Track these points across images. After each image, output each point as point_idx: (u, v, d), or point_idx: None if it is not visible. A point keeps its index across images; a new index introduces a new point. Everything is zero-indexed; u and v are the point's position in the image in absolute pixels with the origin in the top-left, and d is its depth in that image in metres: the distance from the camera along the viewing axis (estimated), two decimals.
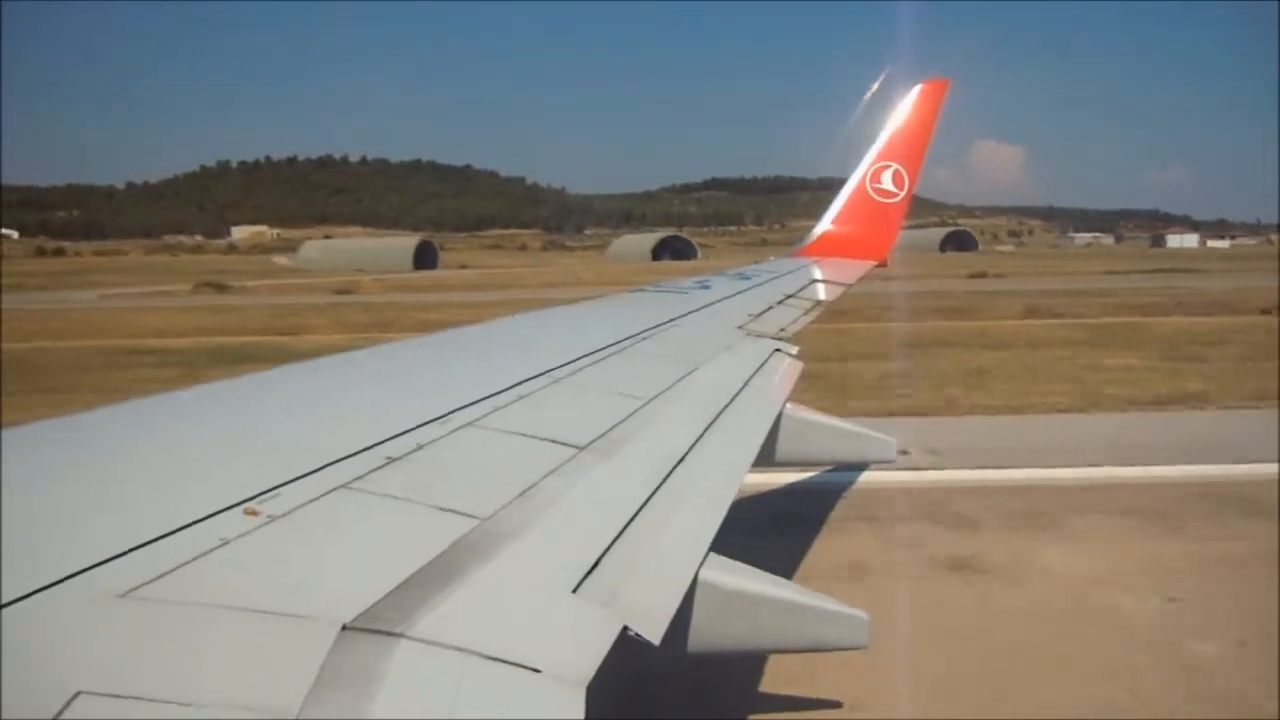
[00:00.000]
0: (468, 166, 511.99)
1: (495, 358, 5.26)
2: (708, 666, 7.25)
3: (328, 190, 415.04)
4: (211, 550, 2.14)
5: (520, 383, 4.24)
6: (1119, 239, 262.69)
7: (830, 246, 13.86)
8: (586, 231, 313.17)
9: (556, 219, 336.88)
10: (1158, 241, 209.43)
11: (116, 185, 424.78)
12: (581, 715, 1.85)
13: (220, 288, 69.58)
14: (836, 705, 7.73)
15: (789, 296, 9.65)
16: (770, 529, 11.82)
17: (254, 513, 2.38)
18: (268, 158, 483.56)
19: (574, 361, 4.92)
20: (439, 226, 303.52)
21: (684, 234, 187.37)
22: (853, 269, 12.76)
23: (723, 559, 2.97)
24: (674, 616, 2.44)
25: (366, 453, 2.96)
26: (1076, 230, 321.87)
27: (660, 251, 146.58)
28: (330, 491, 2.60)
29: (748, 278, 11.16)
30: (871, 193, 13.71)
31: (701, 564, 2.82)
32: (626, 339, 5.88)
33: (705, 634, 2.92)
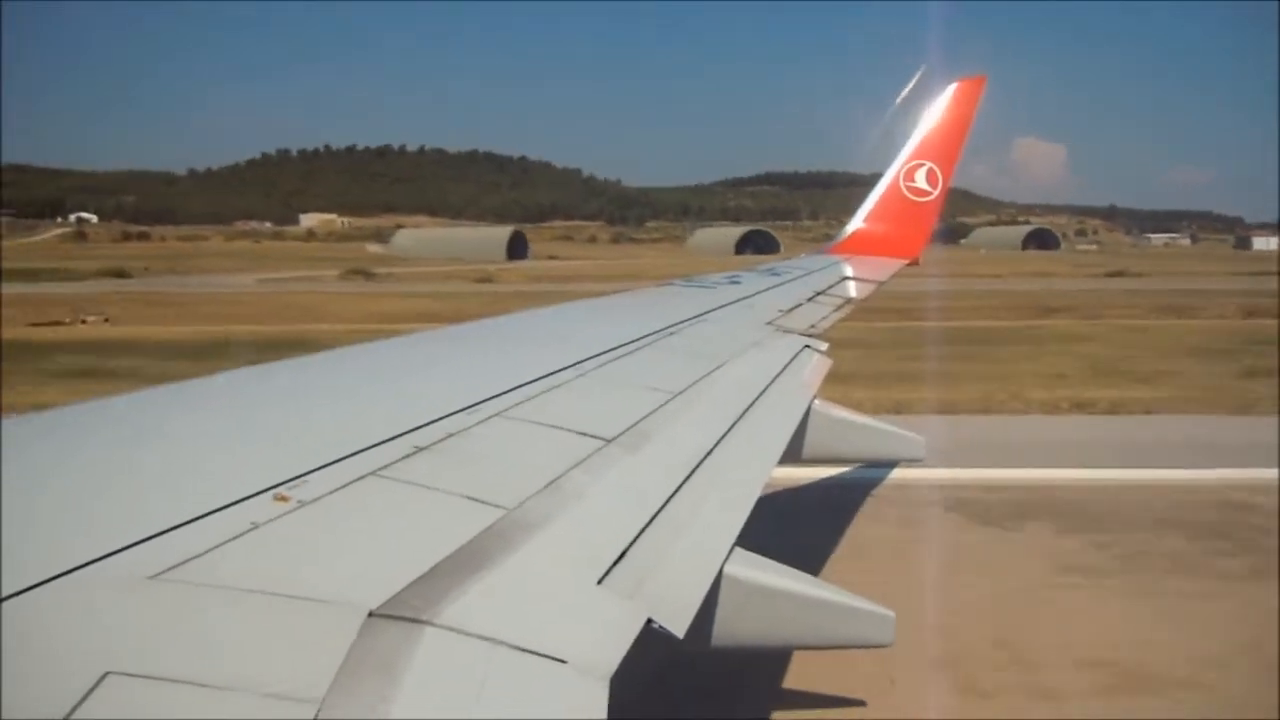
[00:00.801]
0: (523, 158, 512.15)
1: (524, 349, 5.29)
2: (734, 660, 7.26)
3: (389, 179, 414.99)
4: (241, 534, 2.17)
5: (549, 374, 4.25)
6: (1194, 240, 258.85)
7: (862, 244, 13.82)
8: (648, 224, 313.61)
9: (619, 211, 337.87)
10: (1242, 243, 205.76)
11: (174, 171, 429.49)
12: (604, 707, 1.86)
13: (368, 275, 71.18)
14: (861, 704, 7.84)
15: (819, 293, 9.64)
16: None
17: (284, 498, 2.41)
18: (327, 146, 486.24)
19: (602, 354, 4.93)
20: (502, 217, 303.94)
21: (766, 228, 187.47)
22: (884, 267, 12.78)
23: (748, 554, 2.97)
24: (699, 610, 2.46)
25: (396, 441, 2.98)
26: (1142, 230, 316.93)
27: (742, 246, 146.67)
28: (359, 479, 2.63)
29: (778, 274, 11.11)
30: (905, 191, 13.65)
31: (727, 558, 2.83)
32: (655, 333, 5.88)
33: (730, 629, 2.92)
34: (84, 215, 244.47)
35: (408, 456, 2.87)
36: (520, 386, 3.93)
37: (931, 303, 39.34)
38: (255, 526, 2.22)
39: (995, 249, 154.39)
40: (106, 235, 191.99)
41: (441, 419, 3.29)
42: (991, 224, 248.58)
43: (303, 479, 2.54)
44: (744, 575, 2.90)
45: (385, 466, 2.75)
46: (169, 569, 1.96)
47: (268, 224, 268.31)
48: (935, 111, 13.69)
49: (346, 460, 2.73)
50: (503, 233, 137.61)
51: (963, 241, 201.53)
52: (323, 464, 2.67)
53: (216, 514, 2.25)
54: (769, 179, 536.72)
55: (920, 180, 13.56)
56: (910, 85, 14.05)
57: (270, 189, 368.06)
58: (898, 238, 13.67)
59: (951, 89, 13.61)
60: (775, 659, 7.96)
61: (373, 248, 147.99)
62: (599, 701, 1.86)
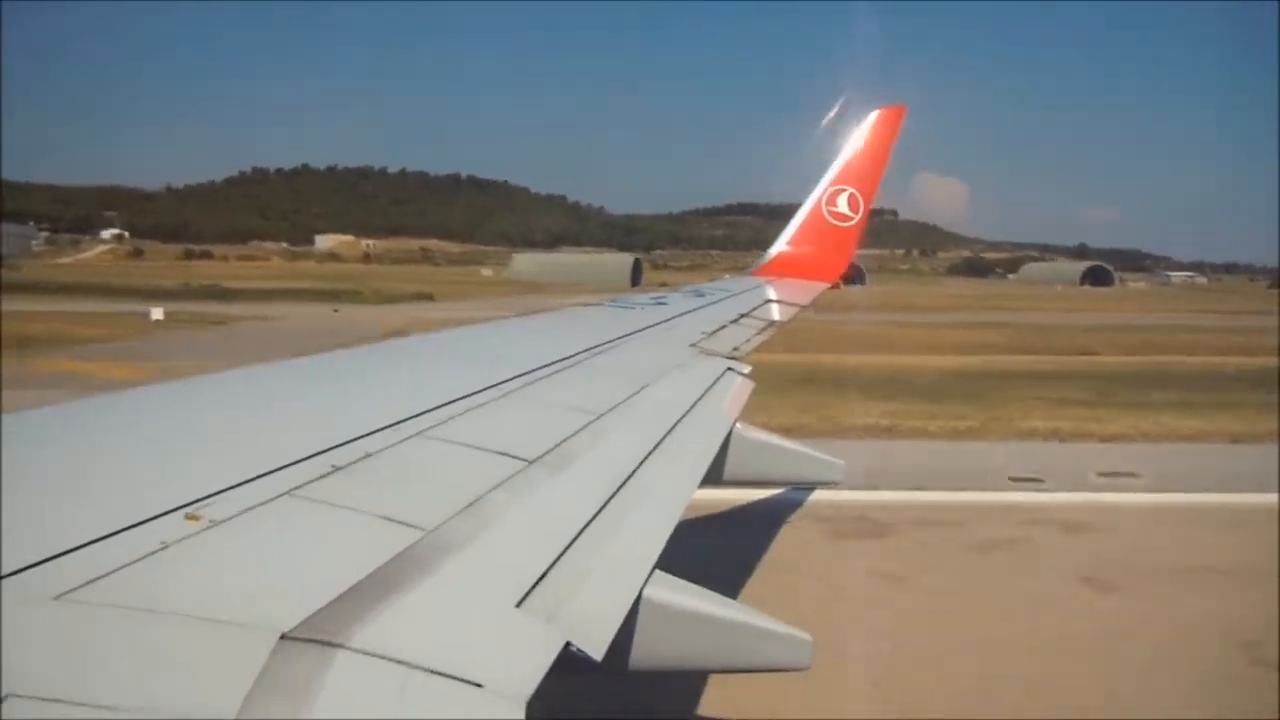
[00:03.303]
0: (505, 182, 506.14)
1: (447, 368, 5.26)
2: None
3: (385, 200, 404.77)
4: (150, 554, 2.12)
5: (471, 394, 4.25)
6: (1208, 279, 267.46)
7: (785, 267, 14.13)
8: (655, 252, 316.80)
9: (627, 239, 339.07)
10: None
11: (144, 188, 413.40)
12: None
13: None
14: None
15: (743, 315, 9.77)
16: None
17: (195, 517, 2.36)
18: (305, 165, 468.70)
19: (526, 374, 4.93)
20: (513, 242, 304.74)
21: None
22: (807, 290, 13.07)
23: (668, 577, 2.99)
24: (617, 633, 2.46)
25: (313, 459, 2.95)
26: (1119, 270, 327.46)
27: None
28: (274, 498, 2.59)
29: (702, 295, 11.29)
30: (827, 216, 14.00)
31: (646, 581, 2.84)
32: (580, 353, 5.91)
33: (648, 652, 2.93)
34: (117, 231, 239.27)
35: (325, 476, 2.84)
36: (442, 406, 3.93)
37: None
38: (165, 546, 2.18)
39: (1053, 284, 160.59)
40: (163, 254, 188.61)
41: (360, 438, 3.28)
42: (970, 260, 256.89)
43: (216, 497, 2.50)
44: (663, 598, 2.92)
45: (301, 486, 2.72)
46: (74, 589, 1.92)
47: (284, 244, 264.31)
48: (857, 139, 14.05)
49: (261, 479, 2.70)
50: (626, 260, 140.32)
51: (1012, 277, 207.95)
52: (237, 482, 2.63)
53: (124, 533, 2.20)
54: (741, 209, 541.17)
55: (842, 205, 13.96)
56: (833, 113, 14.50)
57: (264, 208, 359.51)
58: (820, 261, 14.10)
59: (873, 117, 14.00)
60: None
61: (485, 272, 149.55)
62: None
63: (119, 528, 2.23)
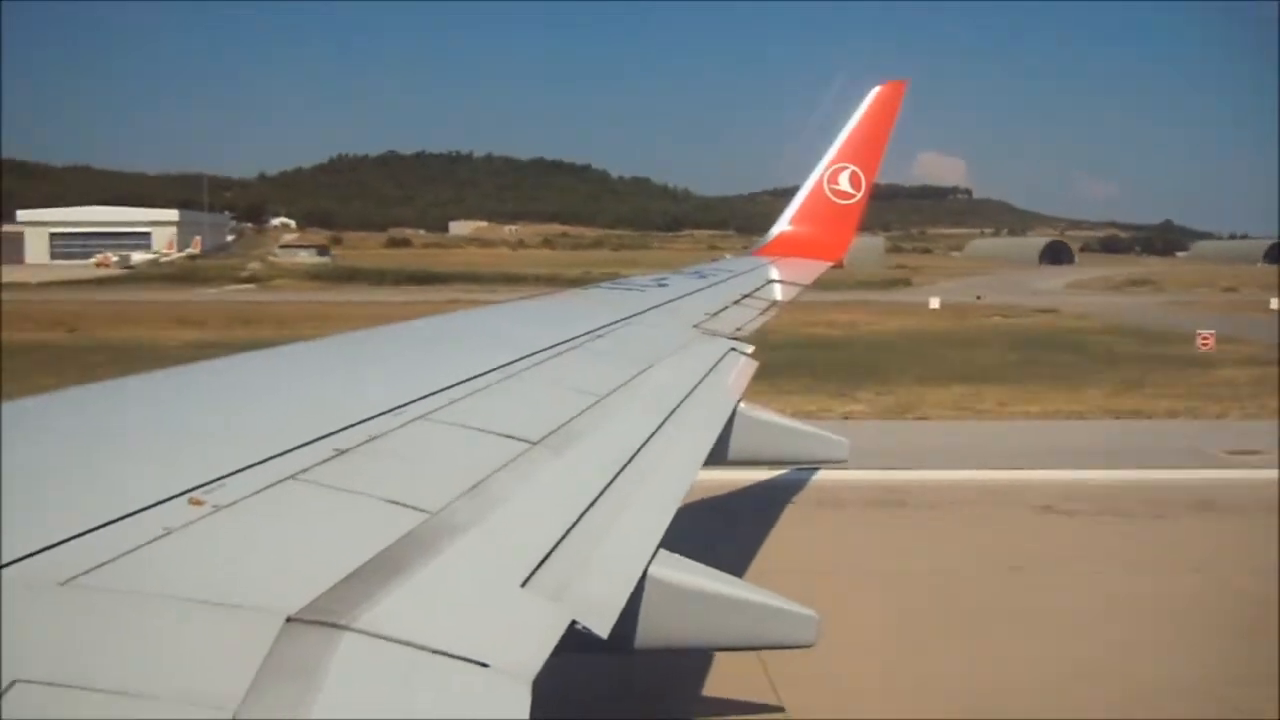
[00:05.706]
0: (588, 166, 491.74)
1: (450, 351, 5.30)
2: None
3: (489, 185, 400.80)
4: (155, 539, 2.13)
5: (475, 376, 4.26)
6: None
7: (787, 247, 13.95)
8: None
9: (745, 223, 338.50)
10: None
11: (226, 175, 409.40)
12: (527, 709, 1.87)
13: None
14: (779, 710, 8.10)
15: (745, 296, 9.78)
16: None
17: (199, 502, 2.37)
18: (393, 152, 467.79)
19: (529, 356, 4.95)
20: (637, 226, 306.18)
21: (1064, 239, 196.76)
22: (809, 269, 13.00)
23: (673, 555, 3.01)
24: (622, 612, 2.47)
25: (316, 444, 2.95)
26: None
27: (1041, 256, 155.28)
28: (277, 482, 2.60)
29: (704, 276, 11.23)
30: (829, 194, 13.80)
31: (651, 560, 2.86)
32: (583, 335, 5.91)
33: (653, 630, 2.95)
34: (285, 220, 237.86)
35: (329, 460, 2.86)
36: (446, 389, 3.94)
37: None
38: (169, 531, 2.19)
39: (1235, 263, 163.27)
40: (375, 244, 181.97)
41: (364, 421, 3.28)
42: (1105, 239, 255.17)
43: (220, 482, 2.52)
44: (668, 577, 2.95)
45: (305, 470, 2.73)
46: (78, 575, 1.93)
47: (421, 231, 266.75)
48: (858, 115, 13.90)
49: (265, 463, 2.71)
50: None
51: (1180, 255, 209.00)
52: (241, 467, 2.64)
53: (129, 518, 2.21)
54: None
55: (844, 183, 13.76)
56: (834, 90, 14.72)
57: (379, 196, 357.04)
58: (822, 240, 13.92)
59: (873, 93, 13.83)
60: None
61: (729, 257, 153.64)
62: (522, 703, 1.88)
63: (123, 514, 2.23)
